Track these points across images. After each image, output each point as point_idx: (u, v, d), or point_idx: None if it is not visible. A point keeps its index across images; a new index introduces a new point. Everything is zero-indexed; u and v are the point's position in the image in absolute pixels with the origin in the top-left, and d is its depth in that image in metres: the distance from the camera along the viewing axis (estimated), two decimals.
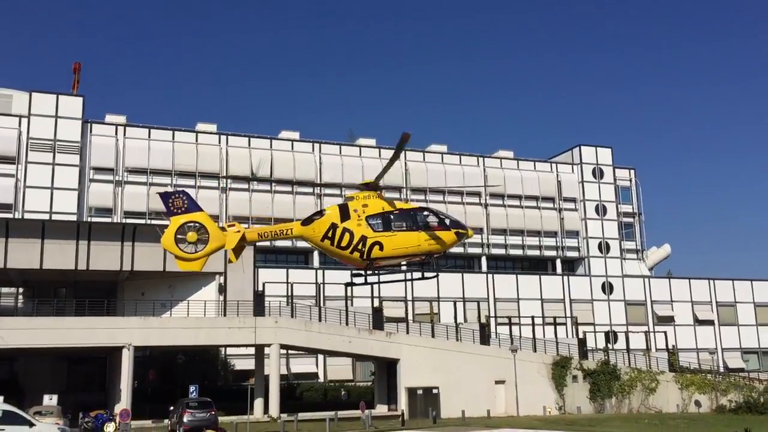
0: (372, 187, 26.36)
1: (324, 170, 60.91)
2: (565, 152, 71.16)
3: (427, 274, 27.43)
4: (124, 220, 52.31)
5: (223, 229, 24.63)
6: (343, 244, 24.83)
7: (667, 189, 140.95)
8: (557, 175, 68.71)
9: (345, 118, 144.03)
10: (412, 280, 28.31)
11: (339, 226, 24.80)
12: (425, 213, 26.63)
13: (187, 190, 55.92)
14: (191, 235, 23.60)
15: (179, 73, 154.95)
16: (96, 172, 54.69)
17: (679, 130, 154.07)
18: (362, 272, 26.20)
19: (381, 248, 25.08)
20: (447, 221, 26.62)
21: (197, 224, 23.88)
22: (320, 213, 25.89)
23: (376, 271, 26.42)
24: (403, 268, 28.90)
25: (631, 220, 71.11)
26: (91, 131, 55.19)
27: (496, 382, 46.12)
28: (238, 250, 24.39)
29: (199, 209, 24.38)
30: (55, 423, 28.67)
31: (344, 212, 25.19)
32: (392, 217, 25.52)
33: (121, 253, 43.96)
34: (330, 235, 24.87)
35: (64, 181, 52.92)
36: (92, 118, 56.21)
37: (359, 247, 24.85)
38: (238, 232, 24.48)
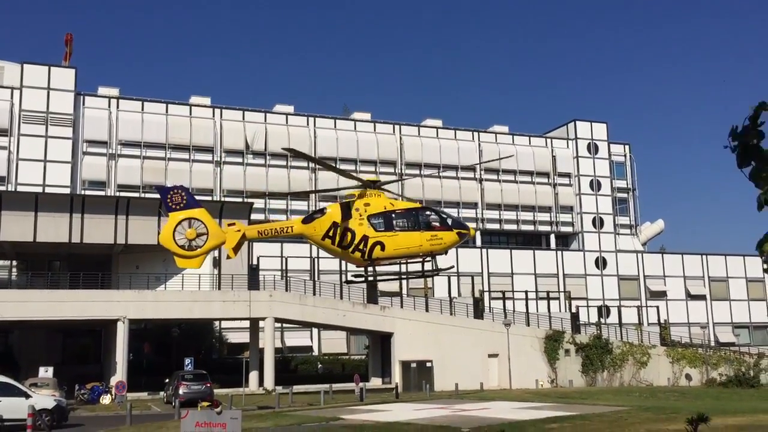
0: (374, 185, 26.07)
1: (319, 144, 60.71)
2: (560, 127, 71.03)
3: (441, 266, 27.15)
4: (117, 194, 52.16)
5: (233, 224, 24.42)
6: (345, 243, 24.50)
7: (661, 164, 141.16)
8: (552, 150, 68.65)
9: (340, 93, 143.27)
10: (411, 278, 27.81)
11: (340, 225, 24.46)
12: (427, 212, 26.34)
13: (181, 163, 56.39)
14: (190, 232, 23.30)
15: (173, 45, 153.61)
16: (89, 145, 54.37)
17: (674, 105, 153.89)
18: (361, 272, 26.03)
19: (383, 248, 24.77)
20: (449, 221, 26.38)
21: (196, 221, 23.66)
22: (321, 211, 25.57)
23: (375, 270, 26.26)
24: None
25: (625, 195, 71.25)
26: (83, 104, 54.77)
27: (490, 356, 46.49)
28: (236, 248, 24.20)
29: (198, 205, 24.11)
30: (51, 395, 28.79)
31: (346, 211, 24.79)
32: (394, 216, 25.09)
33: (115, 226, 43.87)
34: (331, 234, 24.56)
35: (57, 154, 52.64)
36: (85, 91, 55.78)
37: (360, 246, 24.55)
38: (239, 231, 24.19)
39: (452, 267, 30.88)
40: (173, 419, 25.40)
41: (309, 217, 25.31)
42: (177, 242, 23.23)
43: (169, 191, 23.88)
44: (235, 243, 23.80)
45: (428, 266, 26.81)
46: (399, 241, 24.86)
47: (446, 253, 27.54)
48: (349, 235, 24.48)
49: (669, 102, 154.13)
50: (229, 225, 24.78)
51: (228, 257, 24.86)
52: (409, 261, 26.55)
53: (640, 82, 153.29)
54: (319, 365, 52.57)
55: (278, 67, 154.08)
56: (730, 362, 51.96)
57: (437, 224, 25.70)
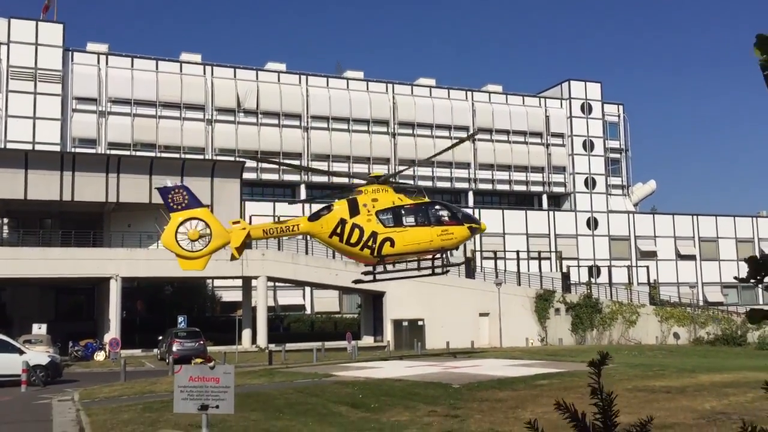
0: (382, 180, 25.52)
1: (311, 103, 60.23)
2: (554, 87, 70.62)
3: (437, 270, 26.56)
4: (108, 152, 51.79)
5: (237, 222, 23.91)
6: (353, 240, 23.97)
7: (654, 125, 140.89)
8: (545, 110, 68.35)
9: (333, 51, 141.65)
10: (421, 276, 27.34)
11: (348, 222, 23.89)
12: (437, 207, 25.73)
13: (172, 121, 55.89)
14: (193, 233, 22.74)
15: (162, 0, 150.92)
16: (78, 102, 53.77)
17: (668, 66, 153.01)
18: (371, 270, 25.51)
19: (392, 245, 24.24)
20: (459, 215, 25.79)
21: (199, 221, 23.07)
22: (328, 208, 24.92)
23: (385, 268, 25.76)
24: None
25: (617, 155, 71.26)
26: (72, 60, 54.00)
27: (481, 315, 46.94)
28: (240, 248, 23.72)
29: (201, 205, 23.48)
30: (45, 351, 28.98)
31: (353, 207, 24.24)
32: (403, 212, 24.56)
33: (106, 184, 43.68)
34: (339, 231, 23.98)
35: (47, 111, 52.07)
36: (73, 47, 54.94)
37: (369, 243, 24.01)
38: (244, 229, 23.62)
39: (463, 263, 30.15)
40: (167, 375, 25.64)
41: (315, 215, 24.68)
42: (180, 243, 22.68)
43: (170, 191, 23.21)
44: (240, 243, 23.29)
45: (438, 262, 26.29)
46: (409, 237, 24.34)
47: (457, 248, 26.97)
48: (357, 231, 23.88)
49: (663, 62, 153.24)
50: (234, 223, 24.24)
51: (232, 258, 24.27)
52: (419, 258, 26.06)
53: (636, 41, 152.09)
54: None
55: (270, 23, 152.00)
56: (717, 321, 52.65)
57: (448, 219, 25.13)
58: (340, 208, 24.43)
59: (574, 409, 2.14)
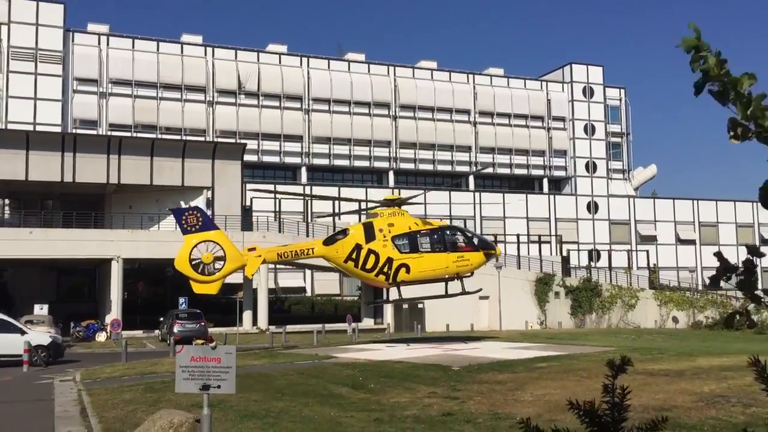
0: (397, 203, 25.36)
1: (312, 85, 60.02)
2: (555, 70, 70.31)
3: (468, 289, 26.27)
4: (109, 133, 51.71)
5: (253, 249, 23.83)
6: (368, 266, 23.80)
7: (655, 109, 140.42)
8: (547, 93, 68.10)
9: (334, 33, 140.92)
10: (434, 298, 27.41)
11: (364, 248, 23.71)
12: (453, 232, 25.55)
13: (173, 103, 55.73)
14: (207, 256, 22.53)
15: None
16: (79, 83, 53.59)
17: (670, 50, 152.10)
18: (384, 294, 25.39)
19: (408, 271, 24.11)
20: (475, 240, 25.68)
21: (213, 244, 22.84)
22: (344, 232, 24.72)
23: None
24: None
25: (619, 139, 71.09)
26: (73, 40, 53.76)
27: (480, 298, 46.87)
28: (254, 271, 23.88)
29: (215, 227, 23.26)
30: (46, 331, 29.10)
31: (369, 232, 24.05)
32: (419, 237, 24.36)
33: (107, 165, 43.65)
34: (354, 256, 23.80)
35: (48, 92, 51.93)
36: (74, 27, 54.69)
37: (385, 270, 23.83)
38: (260, 257, 23.63)
39: (480, 290, 30.14)
40: (168, 356, 25.76)
41: (331, 239, 24.55)
42: (193, 267, 22.50)
43: (184, 212, 22.97)
44: (256, 269, 23.35)
45: (455, 288, 26.27)
46: (425, 264, 24.22)
47: (472, 274, 26.97)
48: (373, 257, 23.67)
49: (665, 47, 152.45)
50: (249, 250, 24.12)
51: (245, 277, 24.36)
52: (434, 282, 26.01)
53: (638, 25, 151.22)
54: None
55: (271, 5, 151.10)
56: (716, 305, 52.76)
57: (463, 244, 24.99)
58: (356, 232, 24.28)
59: (585, 407, 2.19)
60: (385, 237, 24.00)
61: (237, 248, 23.52)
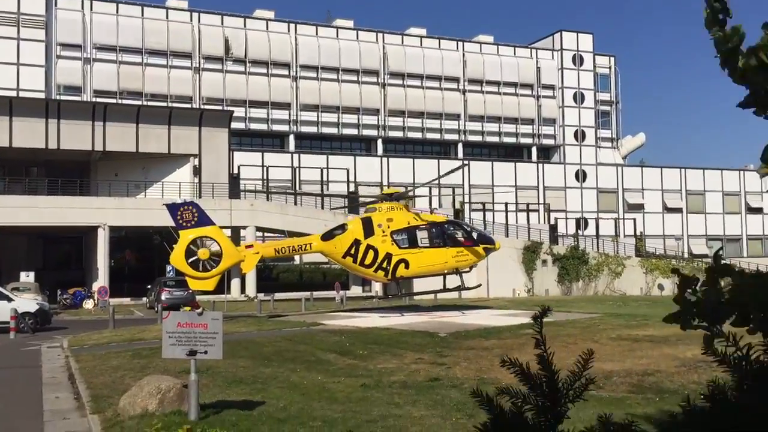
0: (395, 197, 25.15)
1: (300, 52, 59.40)
2: (545, 38, 69.88)
3: (468, 284, 26.16)
4: (94, 99, 51.08)
5: (251, 246, 23.59)
6: (367, 262, 23.67)
7: (644, 78, 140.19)
8: (537, 61, 67.74)
9: None
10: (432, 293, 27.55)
11: (362, 243, 23.54)
12: (452, 227, 25.42)
13: (159, 69, 55.03)
14: (203, 252, 22.34)
15: None
16: (63, 49, 52.74)
17: (660, 18, 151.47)
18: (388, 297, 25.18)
19: (407, 266, 23.97)
20: (474, 235, 25.56)
21: (209, 240, 22.61)
22: (342, 227, 24.47)
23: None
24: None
25: (608, 108, 71.04)
26: (55, 5, 52.75)
27: None
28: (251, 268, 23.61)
29: (211, 222, 22.91)
30: (33, 299, 29.04)
31: (368, 227, 23.85)
32: (418, 232, 24.24)
33: (92, 132, 43.21)
34: (353, 252, 23.65)
35: (30, 57, 51.12)
36: None
37: (384, 265, 23.71)
38: (257, 253, 23.44)
39: (479, 285, 30.22)
40: (156, 323, 25.77)
41: (329, 234, 24.30)
42: (189, 263, 22.32)
43: (179, 207, 22.64)
44: (253, 266, 23.16)
45: (454, 282, 26.25)
46: (424, 259, 24.09)
47: (471, 269, 26.98)
48: (372, 253, 23.54)
49: (655, 15, 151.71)
50: (247, 247, 23.97)
51: (242, 272, 24.17)
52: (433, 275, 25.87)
53: None
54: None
55: None
56: (701, 273, 53.19)
57: (463, 239, 24.88)
58: (354, 228, 24.13)
59: (519, 363, 2.27)
60: (384, 232, 23.97)
61: (233, 244, 23.48)
